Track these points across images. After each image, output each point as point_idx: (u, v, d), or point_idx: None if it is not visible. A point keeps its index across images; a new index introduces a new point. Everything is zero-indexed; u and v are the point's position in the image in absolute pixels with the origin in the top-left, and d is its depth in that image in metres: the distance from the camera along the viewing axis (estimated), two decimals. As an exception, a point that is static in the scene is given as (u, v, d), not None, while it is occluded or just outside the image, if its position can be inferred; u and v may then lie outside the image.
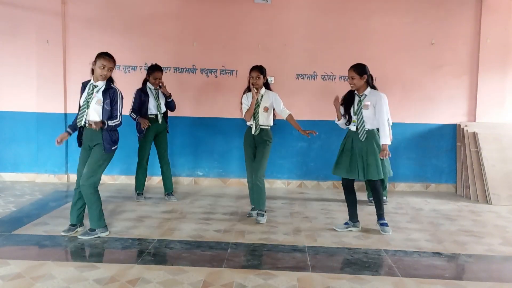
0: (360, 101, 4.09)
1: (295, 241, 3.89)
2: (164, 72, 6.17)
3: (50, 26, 6.06)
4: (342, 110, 4.23)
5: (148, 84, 5.14)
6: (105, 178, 5.92)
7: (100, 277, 2.99)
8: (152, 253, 3.51)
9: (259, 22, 6.18)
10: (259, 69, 4.47)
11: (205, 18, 6.18)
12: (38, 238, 3.79)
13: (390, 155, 4.07)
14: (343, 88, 5.54)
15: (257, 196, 4.50)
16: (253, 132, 4.50)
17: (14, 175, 6.27)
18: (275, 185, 6.35)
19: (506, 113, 6.24)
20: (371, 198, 5.58)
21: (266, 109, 4.50)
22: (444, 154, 6.35)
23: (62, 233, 3.86)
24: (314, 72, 6.23)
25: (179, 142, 6.27)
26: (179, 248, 3.65)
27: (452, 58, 6.22)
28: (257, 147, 4.54)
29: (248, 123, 4.59)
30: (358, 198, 5.65)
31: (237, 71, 6.21)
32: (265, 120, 4.51)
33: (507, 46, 6.18)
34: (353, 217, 4.26)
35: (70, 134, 3.89)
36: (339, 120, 4.27)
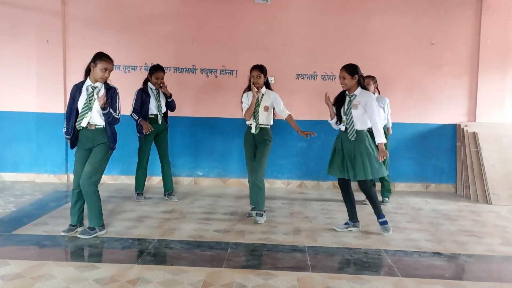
0: (350, 101, 4.09)
1: (295, 241, 3.89)
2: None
3: (50, 26, 6.06)
4: (334, 110, 4.24)
5: (149, 84, 5.14)
6: (105, 178, 5.91)
7: (100, 277, 2.99)
8: (152, 253, 3.51)
9: (259, 22, 6.18)
10: (260, 68, 4.48)
11: (205, 18, 6.18)
12: (38, 238, 3.79)
13: (388, 155, 4.06)
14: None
15: (256, 196, 4.50)
16: (253, 131, 4.51)
17: (14, 175, 6.27)
18: (275, 185, 6.35)
19: (506, 113, 6.25)
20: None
21: (266, 109, 4.51)
22: (444, 154, 6.35)
23: (62, 233, 3.86)
24: (314, 72, 6.23)
25: (179, 142, 6.27)
26: (179, 248, 3.65)
27: (452, 58, 6.22)
28: (257, 146, 4.55)
29: (248, 122, 4.59)
30: (357, 197, 5.68)
31: (237, 71, 6.21)
32: (265, 119, 4.52)
33: (507, 46, 6.18)
34: (353, 217, 4.26)
35: (70, 138, 3.88)
36: (331, 119, 4.28)
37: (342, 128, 4.15)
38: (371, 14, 6.18)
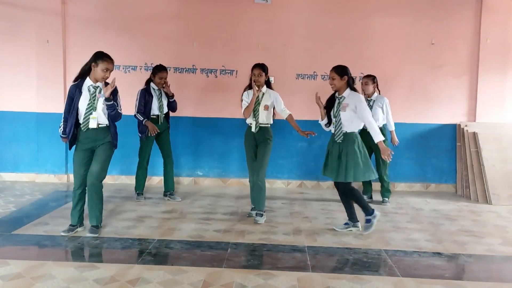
0: (339, 103, 4.09)
1: (295, 241, 3.90)
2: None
3: (50, 26, 6.06)
4: (325, 112, 4.25)
5: (152, 85, 5.13)
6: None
7: (100, 277, 2.99)
8: (152, 253, 3.51)
9: (259, 22, 6.18)
10: (261, 67, 4.49)
11: (205, 18, 6.18)
12: (38, 238, 3.79)
13: (393, 153, 4.04)
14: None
15: (257, 196, 4.51)
16: (253, 130, 4.51)
17: (14, 175, 6.27)
18: (275, 185, 6.35)
19: (506, 113, 6.24)
20: (365, 196, 5.61)
21: (266, 108, 4.52)
22: (444, 154, 6.35)
23: (62, 233, 3.86)
24: (314, 72, 6.23)
25: (179, 142, 6.27)
26: (179, 248, 3.65)
27: (452, 58, 6.22)
28: (258, 146, 4.55)
29: (247, 121, 4.59)
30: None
31: (237, 71, 6.21)
32: (265, 118, 4.52)
33: (507, 46, 6.18)
34: (352, 217, 4.26)
35: (67, 137, 3.87)
36: (322, 120, 4.28)
37: (332, 130, 4.16)
38: (371, 14, 6.18)
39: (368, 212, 4.14)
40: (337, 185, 4.18)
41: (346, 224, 4.26)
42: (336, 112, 4.09)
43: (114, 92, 3.81)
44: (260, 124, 4.51)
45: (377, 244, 3.85)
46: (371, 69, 6.14)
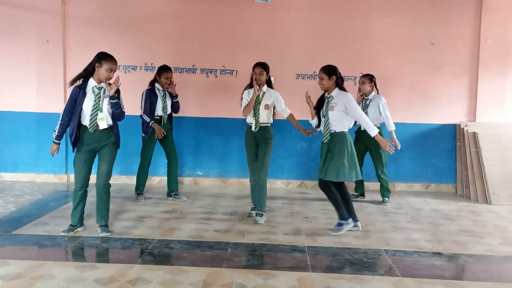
0: (327, 102, 4.10)
1: (295, 241, 3.89)
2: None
3: (50, 26, 6.06)
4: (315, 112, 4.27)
5: (156, 85, 5.12)
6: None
7: (100, 277, 2.99)
8: (152, 253, 3.51)
9: (259, 22, 6.18)
10: (263, 66, 4.50)
11: (205, 18, 6.18)
12: (38, 238, 3.79)
13: (393, 144, 4.04)
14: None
15: (258, 196, 4.51)
16: (253, 129, 4.52)
17: (14, 175, 6.27)
18: (275, 185, 6.35)
19: (506, 113, 6.24)
20: (356, 194, 5.61)
21: (267, 107, 4.52)
22: (444, 154, 6.35)
23: (62, 233, 3.87)
24: (314, 72, 6.22)
25: (179, 142, 6.24)
26: (179, 248, 3.65)
27: (452, 58, 6.22)
28: (258, 145, 4.55)
29: (247, 121, 4.60)
30: (358, 197, 5.69)
31: (237, 71, 6.21)
32: (266, 117, 4.53)
33: (507, 46, 6.18)
34: (352, 216, 4.23)
35: (59, 144, 3.82)
36: (312, 119, 4.28)
37: (321, 129, 4.17)
38: (371, 14, 6.18)
39: (342, 217, 4.14)
40: (332, 184, 4.17)
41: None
42: (324, 111, 4.10)
43: (117, 91, 3.81)
44: (261, 123, 4.52)
45: (377, 244, 3.85)
46: (371, 69, 6.13)
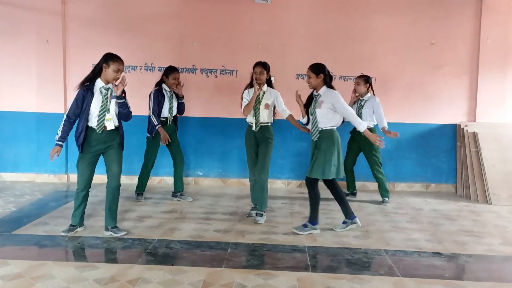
0: (315, 100, 4.12)
1: (295, 241, 3.89)
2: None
3: (50, 26, 6.06)
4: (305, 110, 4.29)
5: (164, 86, 5.12)
6: (105, 178, 5.90)
7: (100, 277, 2.99)
8: (152, 253, 3.51)
9: (259, 22, 6.18)
10: (263, 65, 4.51)
11: (205, 18, 6.18)
12: (38, 238, 3.79)
13: (383, 138, 4.04)
14: (343, 88, 5.58)
15: (259, 195, 4.51)
16: (253, 129, 4.52)
17: (14, 175, 6.27)
18: (275, 185, 6.35)
19: (506, 113, 6.25)
20: (347, 192, 5.61)
21: (267, 106, 4.53)
22: (444, 154, 6.35)
23: (62, 234, 3.87)
24: (314, 72, 6.21)
25: (180, 142, 6.25)
26: (179, 248, 3.65)
27: (452, 58, 6.22)
28: (259, 145, 4.56)
29: (248, 120, 4.60)
30: (357, 197, 5.69)
31: (237, 71, 6.21)
32: (266, 117, 4.53)
33: (507, 46, 6.18)
34: (348, 214, 4.23)
35: (61, 146, 3.77)
36: (303, 118, 4.29)
37: (310, 127, 4.18)
38: (371, 14, 6.18)
39: (312, 221, 4.14)
40: (325, 183, 4.19)
41: (344, 223, 4.25)
42: (312, 109, 4.12)
43: (123, 91, 3.82)
44: (261, 123, 4.52)
45: (377, 244, 3.85)
46: (371, 69, 6.14)
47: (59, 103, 6.15)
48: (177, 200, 5.27)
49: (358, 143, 5.37)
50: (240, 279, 3.02)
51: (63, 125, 3.74)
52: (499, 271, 3.43)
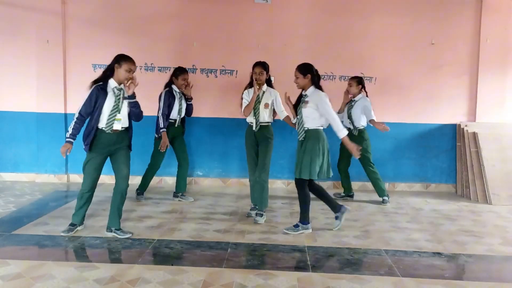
0: (302, 100, 4.12)
1: (295, 241, 3.90)
2: (164, 72, 6.19)
3: (50, 26, 6.06)
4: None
5: (173, 87, 5.11)
6: (105, 178, 5.92)
7: (100, 277, 2.99)
8: (152, 253, 3.51)
9: (259, 22, 6.18)
10: (263, 65, 4.51)
11: (205, 18, 6.18)
12: (38, 238, 3.79)
13: (360, 148, 4.01)
14: (343, 88, 5.56)
15: (259, 195, 4.51)
16: (253, 129, 4.52)
17: (14, 175, 6.27)
18: (275, 185, 6.34)
19: (506, 113, 6.24)
20: (344, 194, 5.61)
21: (267, 106, 4.53)
22: (444, 154, 6.35)
23: (62, 234, 3.86)
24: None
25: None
26: (179, 248, 3.65)
27: (452, 58, 6.21)
28: (259, 145, 4.56)
29: (248, 120, 4.60)
30: (357, 197, 5.69)
31: (237, 71, 6.21)
32: (266, 116, 4.54)
33: (507, 46, 6.18)
34: (335, 208, 4.22)
35: (72, 143, 3.76)
36: (293, 119, 4.31)
37: (297, 127, 4.18)
38: (371, 14, 6.17)
39: (303, 221, 4.13)
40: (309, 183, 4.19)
41: (336, 218, 4.25)
42: (299, 109, 4.11)
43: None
44: (261, 123, 4.52)
45: (377, 244, 3.85)
46: (371, 69, 6.15)
47: (59, 103, 6.15)
48: (178, 200, 5.28)
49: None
50: (240, 279, 3.02)
51: (75, 122, 3.72)
52: (499, 271, 3.43)
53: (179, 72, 5.08)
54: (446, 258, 3.58)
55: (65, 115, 6.19)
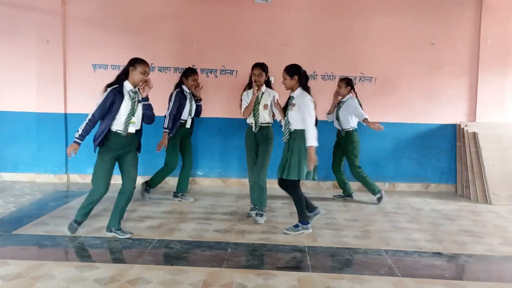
0: (289, 102, 4.12)
1: (295, 241, 3.90)
2: (164, 72, 6.19)
3: (50, 26, 6.06)
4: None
5: (184, 87, 5.10)
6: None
7: (100, 277, 2.99)
8: (152, 253, 3.51)
9: (259, 22, 6.18)
10: (262, 66, 4.51)
11: (205, 18, 6.18)
12: (38, 238, 3.79)
13: (317, 163, 3.95)
14: (343, 88, 5.56)
15: (258, 195, 4.52)
16: (253, 129, 4.52)
17: (14, 175, 6.27)
18: (275, 185, 6.31)
19: (506, 113, 6.24)
20: (343, 195, 5.61)
21: (266, 107, 4.54)
22: (444, 154, 6.35)
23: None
24: (314, 72, 6.22)
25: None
26: (179, 248, 3.65)
27: (452, 58, 6.22)
28: (259, 145, 4.56)
29: (248, 121, 4.61)
30: (357, 197, 5.69)
31: (237, 71, 6.21)
32: (266, 117, 4.54)
33: (507, 46, 6.18)
34: (310, 207, 4.22)
35: (80, 144, 3.73)
36: (282, 121, 4.30)
37: (283, 129, 4.18)
38: (371, 14, 6.17)
39: (303, 221, 4.12)
40: (281, 181, 4.18)
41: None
42: (286, 111, 4.12)
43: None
44: (261, 123, 4.53)
45: (377, 244, 3.85)
46: (371, 69, 6.15)
47: (59, 103, 6.15)
48: (178, 200, 5.28)
49: (340, 143, 5.42)
50: (240, 279, 3.02)
51: (87, 124, 3.70)
52: (499, 271, 3.43)
53: (190, 72, 5.09)
54: (446, 258, 3.58)
55: (65, 115, 6.19)
